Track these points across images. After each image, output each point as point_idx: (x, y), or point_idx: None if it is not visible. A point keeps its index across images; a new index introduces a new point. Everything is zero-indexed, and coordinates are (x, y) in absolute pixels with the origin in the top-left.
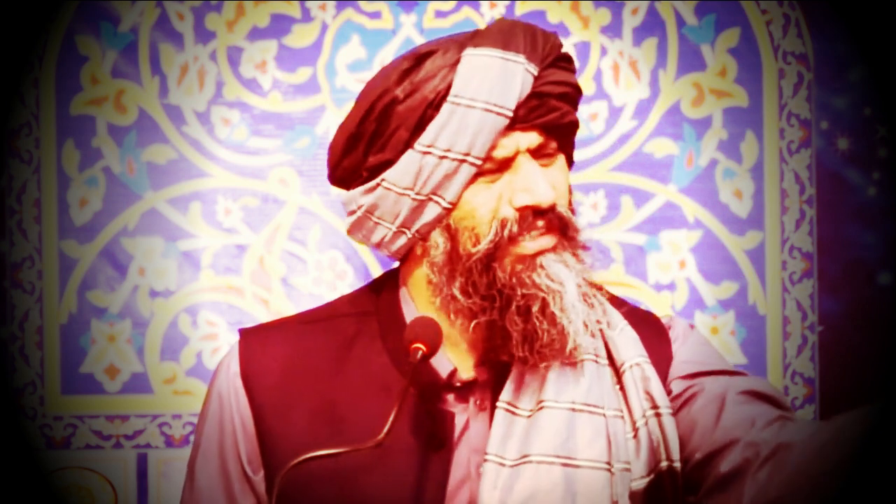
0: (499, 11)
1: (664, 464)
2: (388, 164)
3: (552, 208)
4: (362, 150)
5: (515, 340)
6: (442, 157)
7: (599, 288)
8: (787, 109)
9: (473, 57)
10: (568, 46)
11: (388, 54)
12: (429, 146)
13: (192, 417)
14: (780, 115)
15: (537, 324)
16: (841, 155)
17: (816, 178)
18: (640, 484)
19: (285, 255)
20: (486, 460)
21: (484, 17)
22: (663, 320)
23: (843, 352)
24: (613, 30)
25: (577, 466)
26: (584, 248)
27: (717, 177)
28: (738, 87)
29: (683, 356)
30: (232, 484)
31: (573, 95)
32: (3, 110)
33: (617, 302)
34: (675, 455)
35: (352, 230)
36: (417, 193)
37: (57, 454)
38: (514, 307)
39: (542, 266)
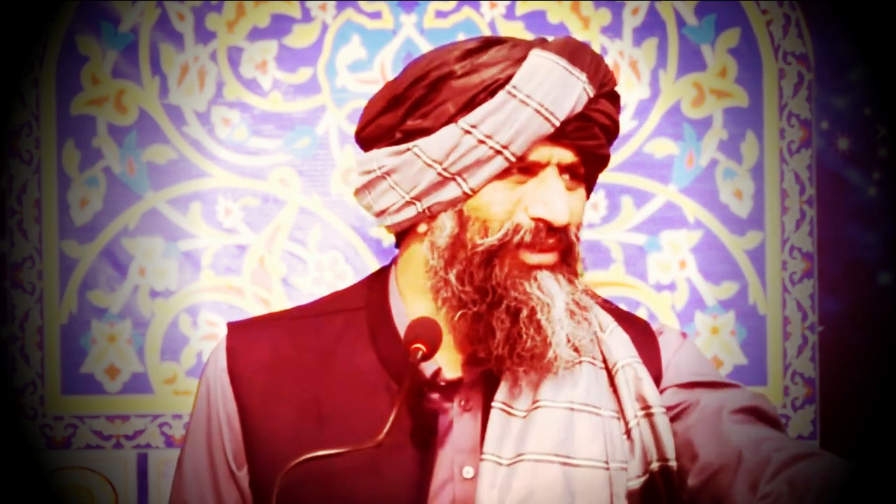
0: (499, 12)
1: (655, 465)
2: (425, 132)
3: (564, 228)
4: (403, 112)
5: (498, 339)
6: (480, 142)
7: (593, 295)
8: (787, 109)
9: (540, 58)
10: None
11: (388, 54)
12: (472, 126)
13: None
14: (780, 115)
15: (523, 328)
16: (841, 155)
17: (816, 178)
18: (635, 484)
19: (286, 255)
20: (482, 459)
21: (484, 17)
22: (654, 327)
23: (843, 352)
24: (614, 30)
25: (575, 466)
26: (578, 275)
27: (718, 177)
28: (738, 87)
29: (678, 364)
30: (218, 476)
31: (613, 132)
32: (3, 110)
33: (605, 305)
34: (669, 454)
35: (360, 191)
36: (444, 169)
37: (57, 454)
38: (504, 306)
39: (535, 278)
